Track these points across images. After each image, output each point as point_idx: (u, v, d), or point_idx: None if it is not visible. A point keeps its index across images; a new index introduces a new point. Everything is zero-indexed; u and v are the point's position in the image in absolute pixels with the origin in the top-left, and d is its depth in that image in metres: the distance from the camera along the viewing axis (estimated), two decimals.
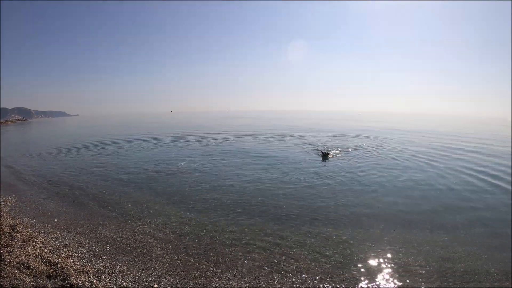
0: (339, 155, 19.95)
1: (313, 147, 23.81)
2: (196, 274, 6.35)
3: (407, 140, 29.52)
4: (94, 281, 5.76)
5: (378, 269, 6.61)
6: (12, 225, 8.39)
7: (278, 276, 6.38)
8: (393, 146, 24.69)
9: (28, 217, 9.29)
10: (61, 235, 8.06)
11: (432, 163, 17.56)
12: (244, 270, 6.59)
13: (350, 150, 22.14)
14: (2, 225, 8.29)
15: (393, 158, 18.92)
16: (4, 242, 7.23)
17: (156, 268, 6.52)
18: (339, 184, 13.04)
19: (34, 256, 6.62)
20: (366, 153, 20.73)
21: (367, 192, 12.00)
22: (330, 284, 6.09)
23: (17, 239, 7.49)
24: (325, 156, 18.88)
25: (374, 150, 22.04)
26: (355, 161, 17.89)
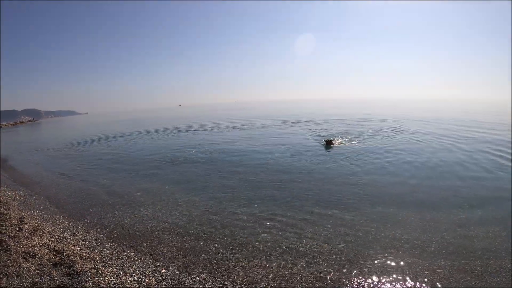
0: (354, 142, 18.36)
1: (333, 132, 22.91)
2: (205, 257, 6.07)
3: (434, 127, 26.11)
4: (100, 267, 5.53)
5: (394, 248, 6.24)
6: (20, 218, 8.23)
7: (291, 256, 6.06)
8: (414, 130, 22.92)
9: (37, 210, 9.14)
10: (69, 225, 7.88)
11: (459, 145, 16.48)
12: (255, 251, 6.29)
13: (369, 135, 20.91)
14: (10, 218, 8.13)
15: (418, 141, 18.07)
16: (11, 233, 7.06)
17: (164, 252, 6.26)
18: (356, 167, 12.65)
19: (40, 246, 6.43)
20: (390, 137, 19.62)
21: (381, 174, 11.59)
22: (345, 264, 5.76)
23: (25, 230, 7.32)
24: (328, 144, 17.40)
25: (397, 135, 20.74)
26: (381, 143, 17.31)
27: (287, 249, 6.31)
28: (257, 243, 6.58)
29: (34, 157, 20.22)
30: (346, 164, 12.87)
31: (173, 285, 5.05)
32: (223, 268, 5.65)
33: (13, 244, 6.41)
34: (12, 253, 5.99)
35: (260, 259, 5.97)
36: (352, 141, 18.74)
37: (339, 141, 18.58)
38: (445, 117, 33.28)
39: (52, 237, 7.01)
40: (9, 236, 6.88)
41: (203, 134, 26.55)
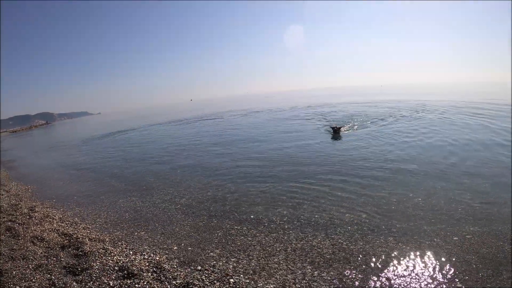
0: (369, 126, 16.15)
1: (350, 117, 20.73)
2: (220, 233, 5.69)
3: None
4: (109, 248, 5.21)
5: (419, 217, 5.75)
6: (31, 207, 8.02)
7: (310, 229, 5.63)
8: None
9: (48, 199, 8.94)
10: (80, 211, 7.63)
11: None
12: (272, 225, 5.88)
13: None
14: (21, 208, 7.93)
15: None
16: (21, 221, 6.82)
17: (176, 231, 5.91)
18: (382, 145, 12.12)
19: (50, 231, 6.17)
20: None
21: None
22: (368, 233, 5.31)
23: (35, 217, 7.09)
24: (336, 132, 14.58)
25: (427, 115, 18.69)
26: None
27: (306, 223, 5.89)
28: (273, 218, 6.18)
29: (47, 154, 20.26)
30: (367, 144, 12.22)
31: (184, 261, 4.68)
32: (238, 243, 5.26)
33: (22, 230, 6.17)
34: (20, 238, 5.74)
35: (278, 233, 5.56)
36: (368, 125, 16.76)
37: (348, 126, 16.55)
38: (466, 99, 30.20)
39: (62, 222, 6.76)
40: (18, 223, 6.65)
41: (216, 123, 26.35)
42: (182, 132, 23.17)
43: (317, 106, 32.76)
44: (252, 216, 6.31)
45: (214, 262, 4.63)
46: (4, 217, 7.06)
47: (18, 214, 7.35)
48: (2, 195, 9.47)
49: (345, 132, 15.34)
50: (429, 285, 3.93)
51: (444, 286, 3.88)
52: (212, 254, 4.91)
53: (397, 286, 3.92)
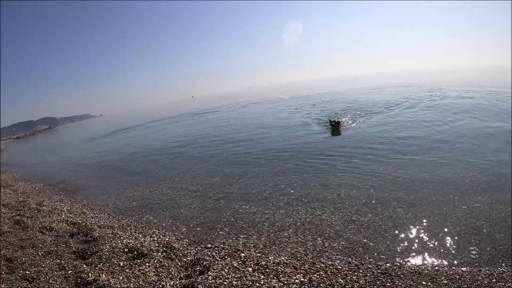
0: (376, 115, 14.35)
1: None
2: (228, 213, 5.60)
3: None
4: (119, 232, 5.14)
5: (427, 189, 5.68)
6: (39, 202, 7.95)
7: (319, 204, 5.54)
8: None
9: (56, 195, 8.88)
10: (88, 203, 7.56)
11: None
12: (281, 203, 5.80)
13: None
14: (29, 203, 7.87)
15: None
16: (30, 214, 6.76)
17: (184, 214, 5.83)
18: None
19: (58, 221, 6.08)
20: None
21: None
22: (376, 206, 5.22)
23: (43, 211, 7.01)
24: (334, 127, 12.00)
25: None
26: None
27: (314, 199, 5.81)
28: (281, 197, 6.09)
29: (51, 155, 20.17)
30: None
31: (194, 241, 4.60)
32: (248, 221, 5.18)
33: (30, 222, 6.10)
34: (29, 229, 5.67)
35: (287, 209, 5.48)
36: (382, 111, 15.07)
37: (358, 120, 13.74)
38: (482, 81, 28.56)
39: (71, 213, 6.69)
40: (27, 217, 6.57)
41: (219, 116, 26.31)
42: (185, 125, 23.14)
43: (318, 95, 32.50)
44: (260, 196, 6.23)
45: (224, 239, 4.55)
46: (12, 213, 7.00)
47: (26, 209, 7.28)
48: (10, 193, 9.42)
49: (346, 126, 12.81)
50: (442, 249, 3.84)
51: (458, 249, 3.79)
52: (221, 232, 4.83)
53: (408, 253, 3.83)
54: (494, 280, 3.14)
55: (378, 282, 3.19)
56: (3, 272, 4.00)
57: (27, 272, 3.96)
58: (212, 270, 3.57)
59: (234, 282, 3.32)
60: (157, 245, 4.49)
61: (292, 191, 6.30)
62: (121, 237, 4.86)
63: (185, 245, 4.44)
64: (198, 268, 3.69)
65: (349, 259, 3.74)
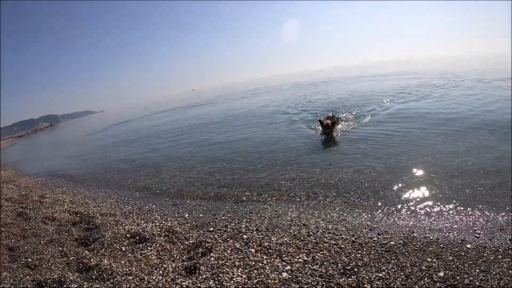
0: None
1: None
2: (231, 200, 5.58)
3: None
4: (121, 219, 5.11)
5: (429, 171, 5.61)
6: (41, 195, 7.93)
7: (321, 189, 5.50)
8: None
9: (58, 187, 8.86)
10: (90, 194, 7.53)
11: None
12: (283, 188, 5.76)
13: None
14: (31, 196, 7.85)
15: None
16: (32, 206, 6.75)
17: (187, 202, 5.80)
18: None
19: (61, 212, 6.06)
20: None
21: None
22: (379, 190, 5.17)
23: (45, 202, 7.00)
24: (327, 129, 9.11)
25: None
26: None
27: (316, 184, 5.77)
28: (283, 182, 6.05)
29: (52, 150, 20.20)
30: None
31: (196, 225, 4.56)
32: (250, 207, 5.13)
33: (33, 214, 6.08)
34: (31, 220, 5.65)
35: (289, 195, 5.45)
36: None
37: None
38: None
39: (73, 204, 6.66)
40: (29, 209, 6.56)
41: (220, 105, 26.36)
42: (184, 116, 23.18)
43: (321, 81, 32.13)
44: (261, 183, 6.19)
45: (227, 223, 4.50)
46: (15, 206, 6.99)
47: (29, 201, 7.26)
48: (12, 188, 9.41)
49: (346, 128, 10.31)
50: (445, 229, 3.79)
51: (462, 231, 3.74)
52: (223, 217, 4.78)
53: (412, 232, 3.78)
54: (500, 256, 3.08)
55: (382, 260, 3.13)
56: (5, 261, 3.97)
57: (29, 259, 3.94)
58: (215, 252, 3.53)
59: (236, 262, 3.28)
60: (159, 230, 4.45)
61: (294, 176, 6.28)
62: (123, 224, 4.82)
63: (187, 229, 4.41)
64: (201, 250, 3.65)
65: (353, 238, 3.68)
